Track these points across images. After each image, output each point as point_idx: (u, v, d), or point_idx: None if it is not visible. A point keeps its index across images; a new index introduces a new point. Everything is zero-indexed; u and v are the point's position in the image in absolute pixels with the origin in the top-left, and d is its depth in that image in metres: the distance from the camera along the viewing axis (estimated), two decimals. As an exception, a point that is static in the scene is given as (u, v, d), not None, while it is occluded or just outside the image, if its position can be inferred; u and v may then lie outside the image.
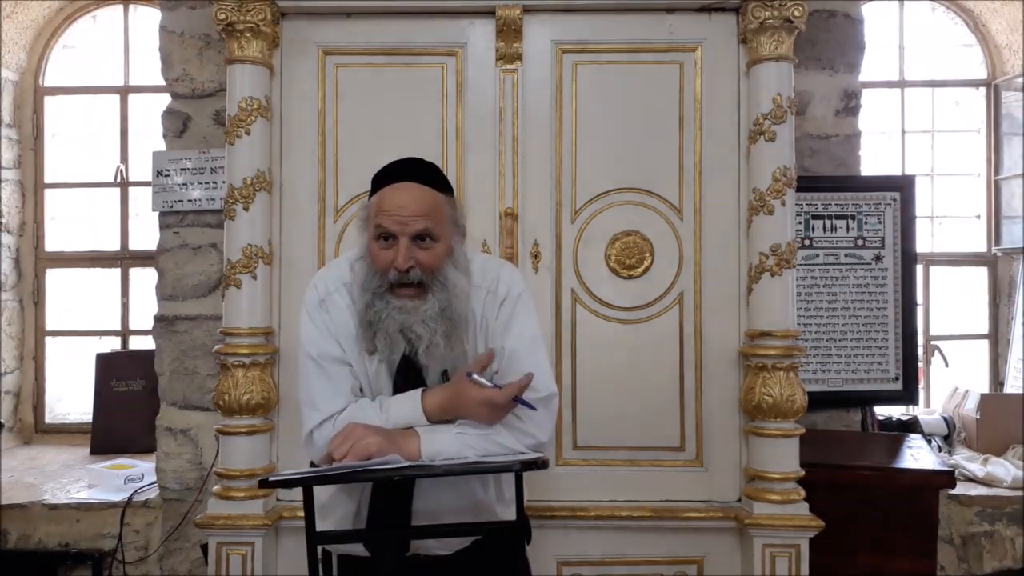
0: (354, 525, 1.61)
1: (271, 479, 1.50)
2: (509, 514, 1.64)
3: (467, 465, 1.48)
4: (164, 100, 2.93)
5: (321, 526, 1.52)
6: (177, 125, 2.89)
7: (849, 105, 2.96)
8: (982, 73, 3.90)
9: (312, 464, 1.63)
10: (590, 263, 2.37)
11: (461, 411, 1.53)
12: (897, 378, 2.97)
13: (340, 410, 1.59)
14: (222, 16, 2.24)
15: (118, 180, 3.89)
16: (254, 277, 2.26)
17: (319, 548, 1.53)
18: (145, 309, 3.50)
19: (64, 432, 3.84)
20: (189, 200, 2.83)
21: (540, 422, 1.57)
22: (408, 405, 1.56)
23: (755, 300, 2.27)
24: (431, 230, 1.52)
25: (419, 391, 1.58)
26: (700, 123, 2.35)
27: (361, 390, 1.64)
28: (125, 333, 3.88)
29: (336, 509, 1.63)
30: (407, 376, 1.60)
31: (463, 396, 1.52)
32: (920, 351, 3.48)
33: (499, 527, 1.64)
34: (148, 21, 3.87)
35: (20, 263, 3.84)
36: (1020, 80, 3.70)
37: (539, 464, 1.47)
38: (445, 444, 1.51)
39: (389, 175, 1.58)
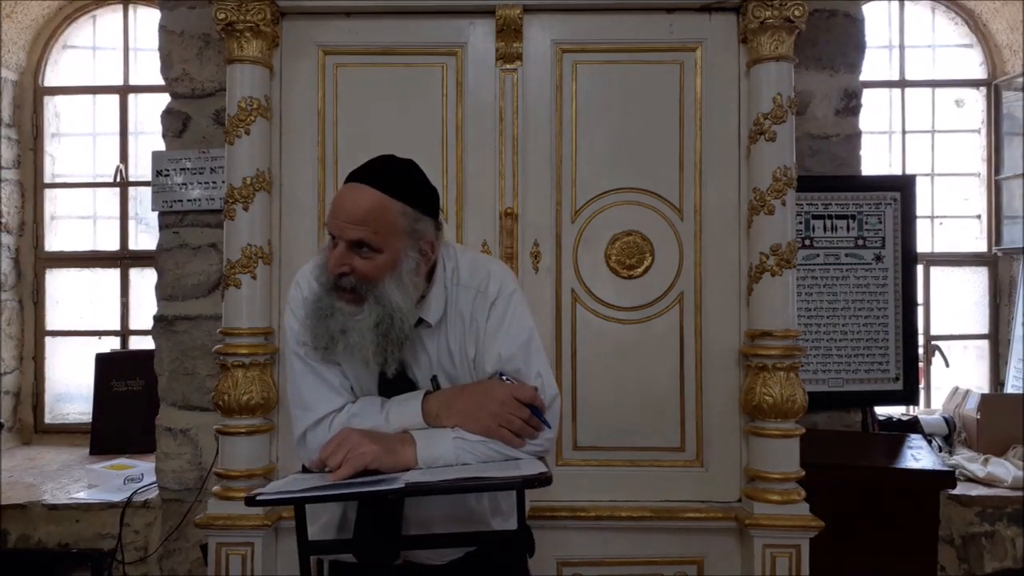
0: (339, 531, 1.55)
1: (258, 498, 1.34)
2: (506, 526, 1.59)
3: (464, 482, 1.38)
4: (164, 100, 2.92)
5: (308, 530, 1.45)
6: (177, 125, 2.88)
7: (849, 105, 2.96)
8: (982, 73, 3.90)
9: (304, 468, 1.57)
10: (590, 263, 2.36)
11: (476, 412, 1.47)
12: (897, 378, 2.97)
13: (336, 410, 1.53)
14: (222, 16, 2.23)
15: (118, 180, 3.89)
16: (254, 277, 2.26)
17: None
18: (145, 309, 3.50)
19: (64, 432, 3.84)
20: (189, 200, 2.82)
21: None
22: (410, 410, 1.51)
23: (755, 300, 2.27)
24: (368, 239, 1.42)
25: (420, 394, 1.53)
26: (700, 123, 2.35)
27: (352, 389, 1.58)
28: (125, 333, 3.88)
29: (322, 514, 1.57)
30: (395, 379, 1.54)
31: (487, 393, 1.49)
32: (920, 351, 3.48)
33: (500, 536, 1.60)
34: (148, 21, 3.88)
35: (20, 263, 3.84)
36: (1020, 80, 3.70)
37: (542, 480, 1.36)
38: (442, 449, 1.44)
39: (352, 172, 1.50)
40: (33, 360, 3.87)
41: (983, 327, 3.87)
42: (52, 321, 3.91)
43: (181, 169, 2.82)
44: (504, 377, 1.53)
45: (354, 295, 1.45)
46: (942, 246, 3.92)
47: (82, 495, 2.97)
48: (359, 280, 1.44)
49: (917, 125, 3.92)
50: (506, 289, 1.58)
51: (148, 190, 2.92)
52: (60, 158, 3.98)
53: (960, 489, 2.96)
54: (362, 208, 1.42)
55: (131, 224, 3.90)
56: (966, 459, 3.19)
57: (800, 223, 2.92)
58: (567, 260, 2.37)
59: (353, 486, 1.36)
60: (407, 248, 1.46)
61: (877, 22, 3.83)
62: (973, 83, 3.91)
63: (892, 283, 2.98)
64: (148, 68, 3.81)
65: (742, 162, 2.33)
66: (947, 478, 2.48)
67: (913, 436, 2.90)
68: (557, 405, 1.58)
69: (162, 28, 2.89)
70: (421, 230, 1.48)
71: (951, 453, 3.30)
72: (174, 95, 2.89)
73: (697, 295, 2.35)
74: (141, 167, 3.85)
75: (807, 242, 2.96)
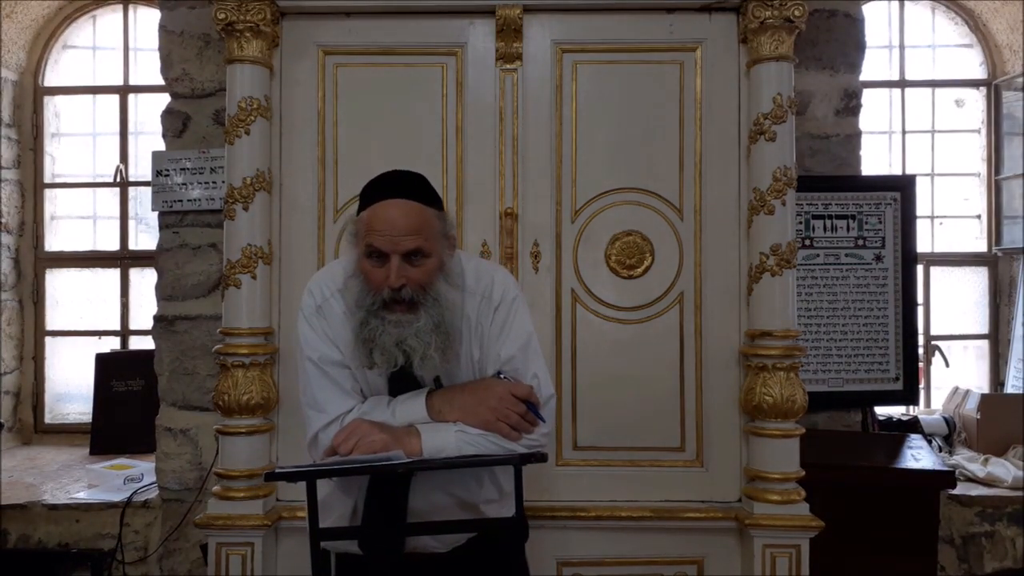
0: (351, 524, 1.63)
1: (277, 471, 1.52)
2: (506, 513, 1.67)
3: (467, 458, 1.54)
4: (164, 100, 2.92)
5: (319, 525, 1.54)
6: (177, 125, 2.88)
7: (849, 105, 2.96)
8: (982, 73, 3.90)
9: None
10: (590, 263, 2.37)
11: (476, 407, 1.56)
12: (897, 378, 2.97)
13: (347, 411, 1.61)
14: (222, 16, 2.23)
15: (118, 180, 3.89)
16: (254, 277, 2.26)
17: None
18: (145, 309, 3.50)
19: (64, 432, 3.84)
20: (189, 200, 2.82)
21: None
22: (414, 406, 1.60)
23: (755, 300, 2.27)
24: (422, 247, 1.52)
25: (424, 391, 1.61)
26: (700, 123, 2.35)
27: (362, 392, 1.66)
28: (125, 333, 3.88)
29: (334, 508, 1.64)
30: (402, 380, 1.63)
31: (486, 390, 1.58)
32: (920, 351, 3.48)
33: (497, 523, 1.67)
34: (148, 21, 3.88)
35: (20, 263, 3.84)
36: (1020, 80, 3.70)
37: (537, 457, 1.53)
38: (446, 441, 1.55)
39: (378, 190, 1.57)
40: (33, 360, 3.87)
41: (983, 327, 3.87)
42: (52, 321, 3.91)
43: (181, 169, 2.82)
44: (502, 375, 1.63)
45: (411, 305, 1.54)
46: (942, 246, 3.92)
47: (82, 495, 2.97)
48: (415, 288, 1.53)
49: (917, 125, 3.92)
50: (508, 295, 1.67)
51: (148, 190, 2.92)
52: (60, 158, 3.98)
53: (960, 489, 2.96)
54: (412, 219, 1.52)
55: (131, 224, 3.90)
56: (966, 459, 3.19)
57: (800, 223, 2.92)
58: (567, 260, 2.37)
59: (364, 461, 1.47)
60: (445, 247, 1.59)
61: (877, 22, 3.83)
62: (973, 83, 3.91)
63: (892, 283, 2.98)
64: (148, 68, 3.81)
65: (742, 162, 2.33)
66: (947, 478, 2.48)
67: (913, 436, 2.90)
68: (552, 404, 1.67)
69: (162, 28, 2.89)
70: (447, 229, 1.61)
71: (951, 453, 3.30)
72: (174, 95, 2.89)
73: (697, 295, 2.35)
74: (141, 167, 3.85)
75: (807, 242, 2.97)
